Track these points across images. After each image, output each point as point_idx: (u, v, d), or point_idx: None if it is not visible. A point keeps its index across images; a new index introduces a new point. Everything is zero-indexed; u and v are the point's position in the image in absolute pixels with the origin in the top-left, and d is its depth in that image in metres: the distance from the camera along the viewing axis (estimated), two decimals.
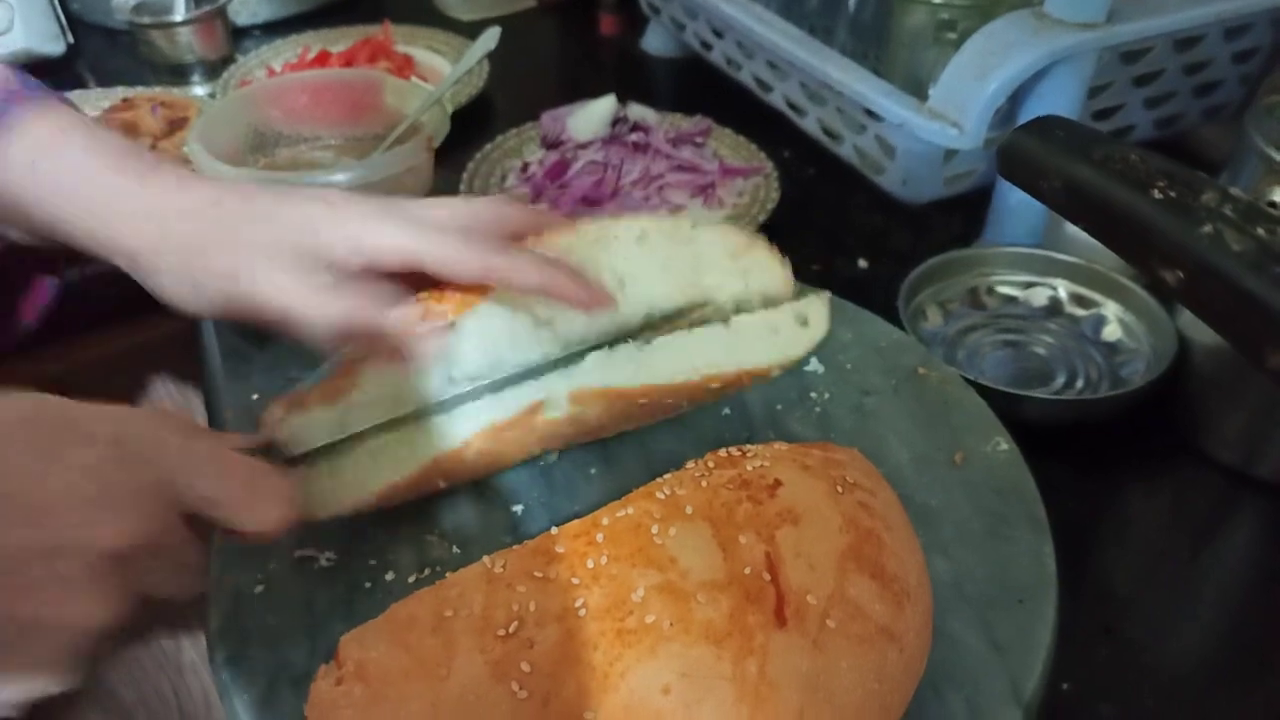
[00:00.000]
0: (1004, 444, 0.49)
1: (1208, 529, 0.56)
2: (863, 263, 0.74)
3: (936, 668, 0.39)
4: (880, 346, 0.56)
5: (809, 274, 0.70)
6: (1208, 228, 0.28)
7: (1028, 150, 0.34)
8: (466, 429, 0.44)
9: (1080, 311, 0.66)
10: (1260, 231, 0.29)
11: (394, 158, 0.71)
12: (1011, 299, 0.68)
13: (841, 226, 0.79)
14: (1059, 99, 0.63)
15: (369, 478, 0.43)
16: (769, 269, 0.51)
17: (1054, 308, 0.67)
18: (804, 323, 0.48)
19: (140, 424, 0.35)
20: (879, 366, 0.54)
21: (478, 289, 0.46)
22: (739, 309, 0.51)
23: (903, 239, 0.77)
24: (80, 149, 0.48)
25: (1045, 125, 0.36)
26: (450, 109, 0.82)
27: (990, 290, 0.68)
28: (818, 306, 0.48)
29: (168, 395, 1.05)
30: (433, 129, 0.75)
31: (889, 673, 0.35)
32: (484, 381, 0.46)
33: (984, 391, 0.52)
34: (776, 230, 0.75)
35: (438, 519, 0.47)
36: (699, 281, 0.49)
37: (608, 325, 0.49)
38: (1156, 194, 0.29)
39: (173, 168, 0.49)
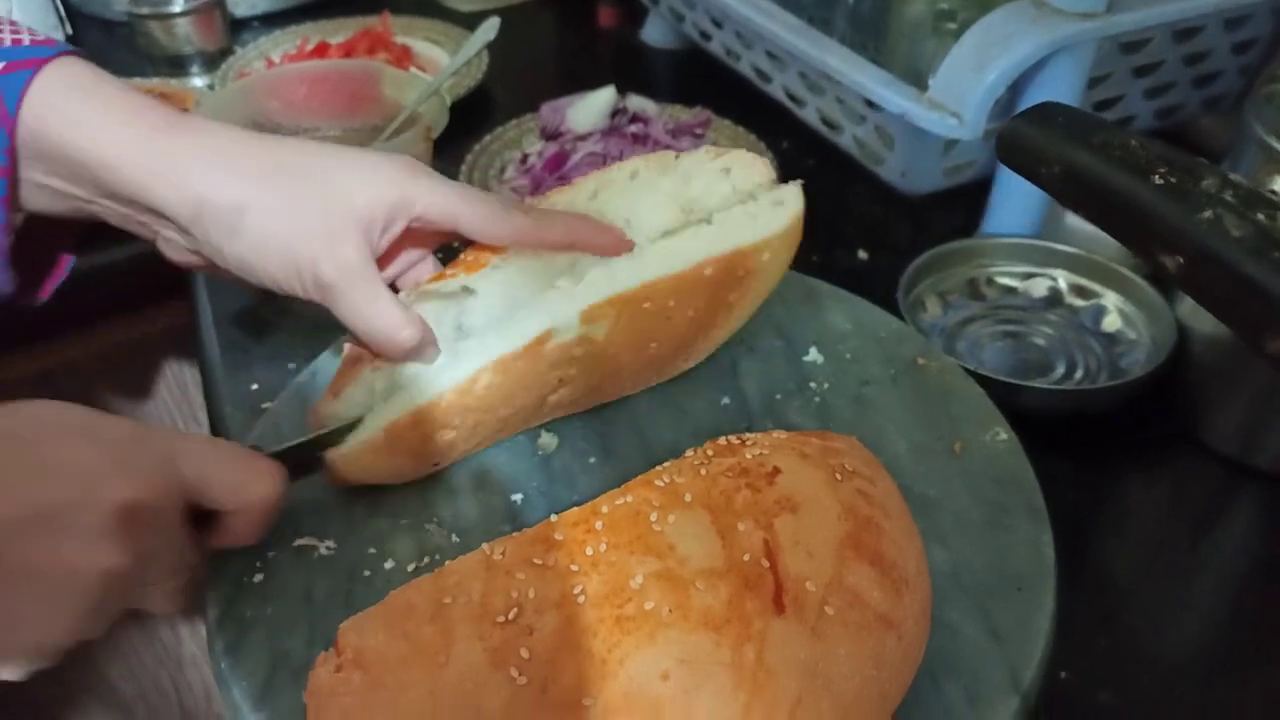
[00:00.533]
0: (1003, 434, 0.49)
1: (1206, 519, 0.56)
2: (862, 254, 0.74)
3: (935, 656, 0.39)
4: (879, 337, 0.56)
5: (808, 264, 0.70)
6: (1208, 213, 0.28)
7: (1027, 137, 0.34)
8: (475, 363, 0.44)
9: (1080, 302, 0.66)
10: (1260, 217, 0.28)
11: (393, 149, 0.71)
12: (1011, 290, 0.68)
13: (841, 217, 0.79)
14: (1058, 89, 0.63)
15: (377, 415, 0.44)
16: (748, 161, 0.53)
17: (1053, 298, 0.67)
18: (779, 204, 0.50)
19: (142, 425, 0.38)
20: (878, 356, 0.54)
21: (486, 251, 0.47)
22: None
23: (902, 230, 0.76)
24: (122, 101, 0.45)
25: (1045, 112, 0.36)
26: (449, 100, 0.81)
27: (989, 281, 0.68)
28: (793, 191, 0.51)
29: (167, 389, 1.05)
30: (431, 120, 0.75)
31: (887, 660, 0.35)
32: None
33: (983, 382, 0.52)
34: None
35: (436, 507, 0.47)
36: (687, 192, 0.52)
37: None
38: (1157, 180, 0.29)
39: (215, 124, 0.47)
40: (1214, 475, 0.57)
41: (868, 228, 0.77)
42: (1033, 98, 0.64)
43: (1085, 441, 0.59)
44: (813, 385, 0.53)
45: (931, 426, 0.50)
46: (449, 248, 0.50)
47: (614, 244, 0.48)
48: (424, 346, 0.45)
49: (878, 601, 0.36)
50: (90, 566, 0.33)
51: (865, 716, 0.35)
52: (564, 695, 0.32)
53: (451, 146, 0.81)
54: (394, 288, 0.49)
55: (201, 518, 0.39)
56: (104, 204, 0.47)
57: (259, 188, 0.44)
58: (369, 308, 0.44)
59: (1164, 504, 0.57)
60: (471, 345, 0.45)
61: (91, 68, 0.47)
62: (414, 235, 0.47)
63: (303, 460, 0.43)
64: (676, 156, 0.52)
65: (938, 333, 0.64)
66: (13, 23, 0.50)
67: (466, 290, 0.48)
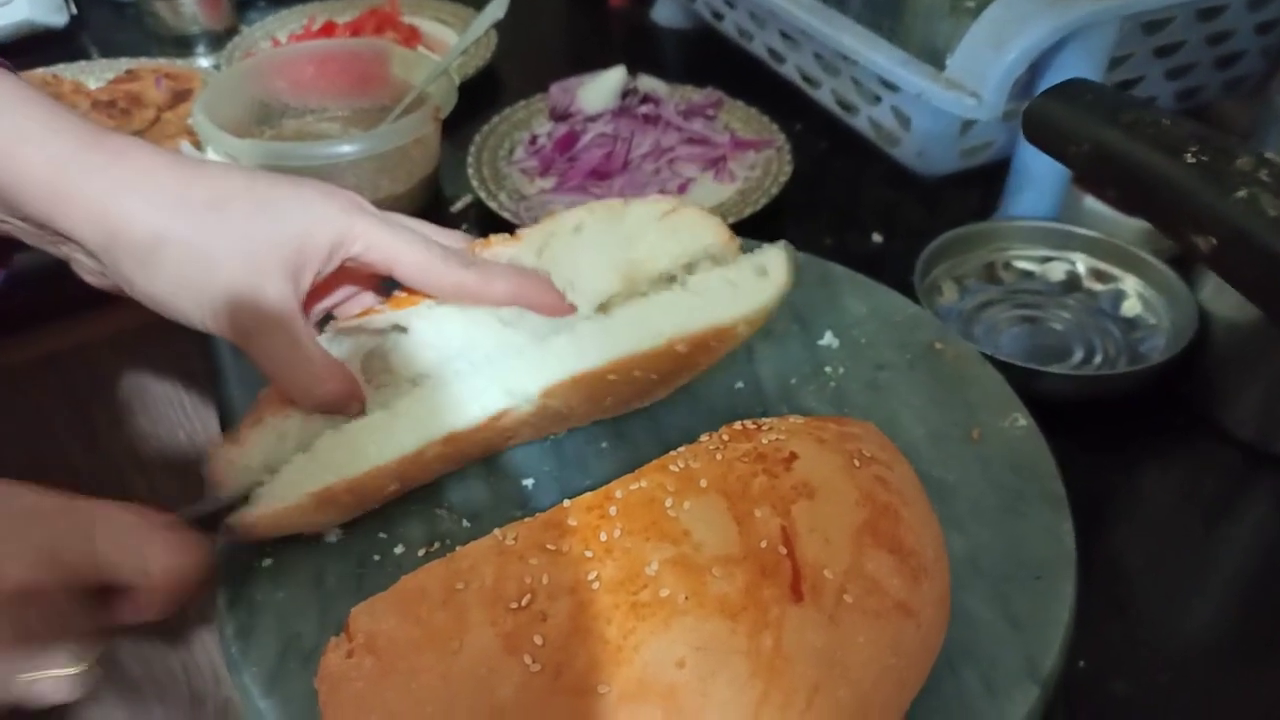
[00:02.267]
0: (1021, 420, 0.48)
1: (1224, 506, 0.55)
2: (877, 237, 0.73)
3: (953, 643, 0.38)
4: (895, 321, 0.55)
5: (821, 248, 0.69)
6: (1242, 193, 0.27)
7: (1055, 114, 0.33)
8: (422, 436, 0.42)
9: (1099, 286, 0.65)
10: None
11: (401, 129, 0.70)
12: (1029, 274, 0.67)
13: (855, 200, 0.78)
14: (1079, 69, 0.62)
15: (300, 475, 0.41)
16: (699, 223, 0.48)
17: (1072, 283, 0.66)
18: (763, 273, 0.46)
19: (59, 498, 0.37)
20: (894, 341, 0.54)
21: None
22: (689, 271, 0.48)
23: (918, 213, 0.75)
24: (41, 118, 0.42)
25: (1072, 89, 0.35)
26: (458, 80, 0.81)
27: (1007, 265, 0.67)
28: (776, 256, 0.46)
29: (175, 372, 1.05)
30: (440, 100, 0.74)
31: (905, 648, 0.35)
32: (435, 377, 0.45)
33: (1001, 367, 0.52)
34: (788, 204, 0.74)
35: (447, 492, 0.46)
36: (630, 255, 0.48)
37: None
38: (1189, 158, 0.29)
39: (143, 145, 0.43)
40: (1233, 462, 0.56)
41: (882, 211, 0.76)
42: (1052, 78, 0.63)
43: (1103, 427, 0.58)
44: (828, 370, 0.52)
45: (948, 412, 0.49)
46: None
47: (557, 307, 0.46)
48: (347, 401, 0.43)
49: (896, 589, 0.35)
50: None
51: (883, 704, 0.34)
52: (578, 682, 0.32)
53: (460, 127, 0.80)
54: (330, 316, 0.47)
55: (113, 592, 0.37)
56: (14, 223, 0.44)
57: (177, 220, 0.41)
58: (287, 354, 0.41)
59: (1181, 491, 0.56)
60: (420, 415, 0.42)
61: (15, 83, 0.43)
62: (350, 273, 0.45)
63: (218, 520, 0.41)
64: (625, 203, 0.48)
65: (954, 317, 0.63)
66: None
67: (397, 328, 0.46)
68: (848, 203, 0.78)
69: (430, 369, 0.46)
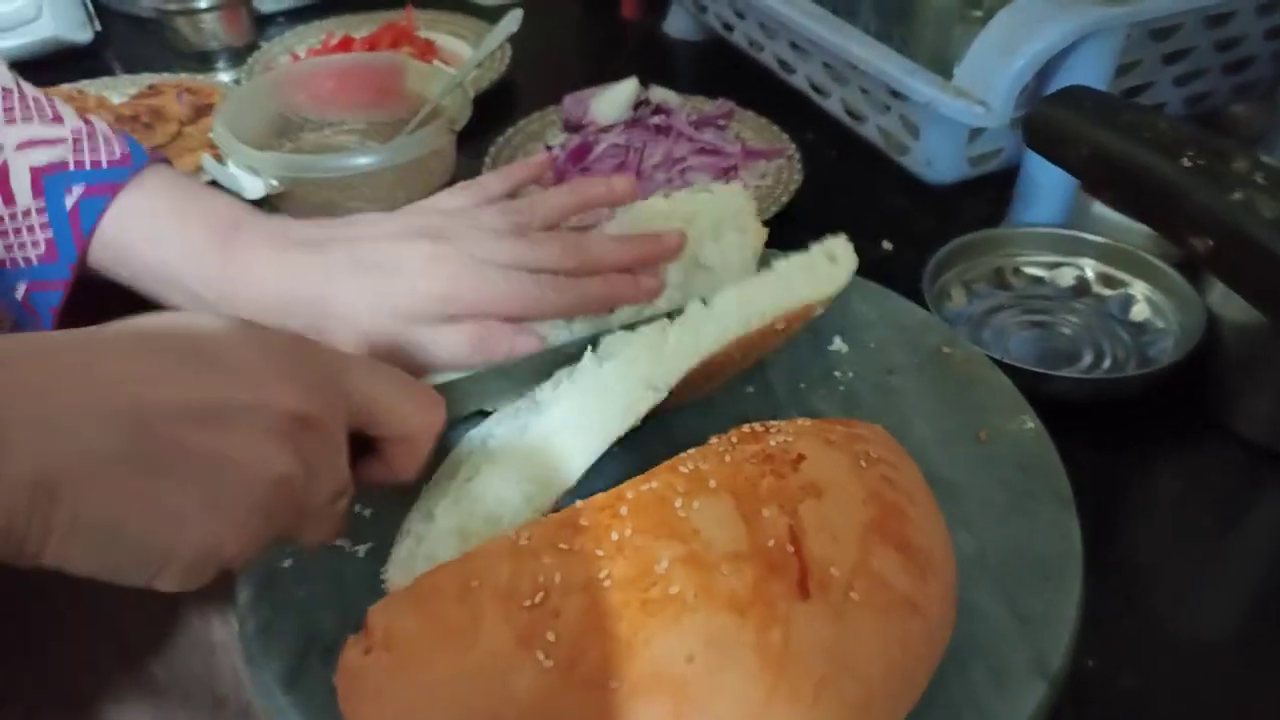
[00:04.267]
0: (1030, 422, 0.49)
1: (1234, 506, 0.55)
2: (887, 245, 0.73)
3: (961, 640, 0.39)
4: (904, 325, 0.55)
5: None
6: (1238, 194, 0.28)
7: (1055, 119, 0.34)
8: (579, 466, 0.44)
9: (1107, 291, 0.65)
10: None
11: (417, 141, 0.72)
12: (1038, 279, 0.67)
13: (865, 208, 0.79)
14: (1087, 76, 0.63)
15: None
16: (726, 191, 0.57)
17: (1081, 288, 0.66)
18: (833, 259, 0.52)
19: (308, 339, 0.38)
20: (903, 345, 0.54)
21: None
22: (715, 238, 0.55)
23: (927, 220, 0.76)
24: (173, 219, 0.50)
25: (1073, 95, 0.35)
26: (473, 93, 0.82)
27: (1016, 271, 0.68)
28: (843, 245, 0.52)
29: None
30: (455, 113, 0.76)
31: (912, 644, 0.35)
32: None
33: (1009, 371, 0.52)
34: (799, 212, 0.75)
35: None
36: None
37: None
38: (1186, 161, 0.29)
39: (257, 244, 0.50)
40: (1242, 462, 0.57)
41: (892, 218, 0.76)
42: (1060, 84, 0.64)
43: (1113, 430, 0.58)
44: (837, 374, 0.53)
45: (957, 414, 0.50)
46: None
47: (646, 293, 0.52)
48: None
49: (903, 585, 0.36)
50: (259, 469, 0.32)
51: (890, 698, 0.35)
52: (590, 676, 0.33)
53: (475, 139, 0.81)
54: None
55: (356, 452, 0.38)
56: (156, 289, 0.51)
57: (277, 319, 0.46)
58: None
59: (1191, 491, 0.57)
60: (585, 425, 0.44)
61: (170, 178, 0.52)
62: None
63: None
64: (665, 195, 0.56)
65: (963, 322, 0.64)
66: (88, 122, 0.53)
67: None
68: (858, 210, 0.78)
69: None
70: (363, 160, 0.69)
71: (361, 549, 0.44)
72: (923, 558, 0.37)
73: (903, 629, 0.35)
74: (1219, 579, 0.52)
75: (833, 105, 0.78)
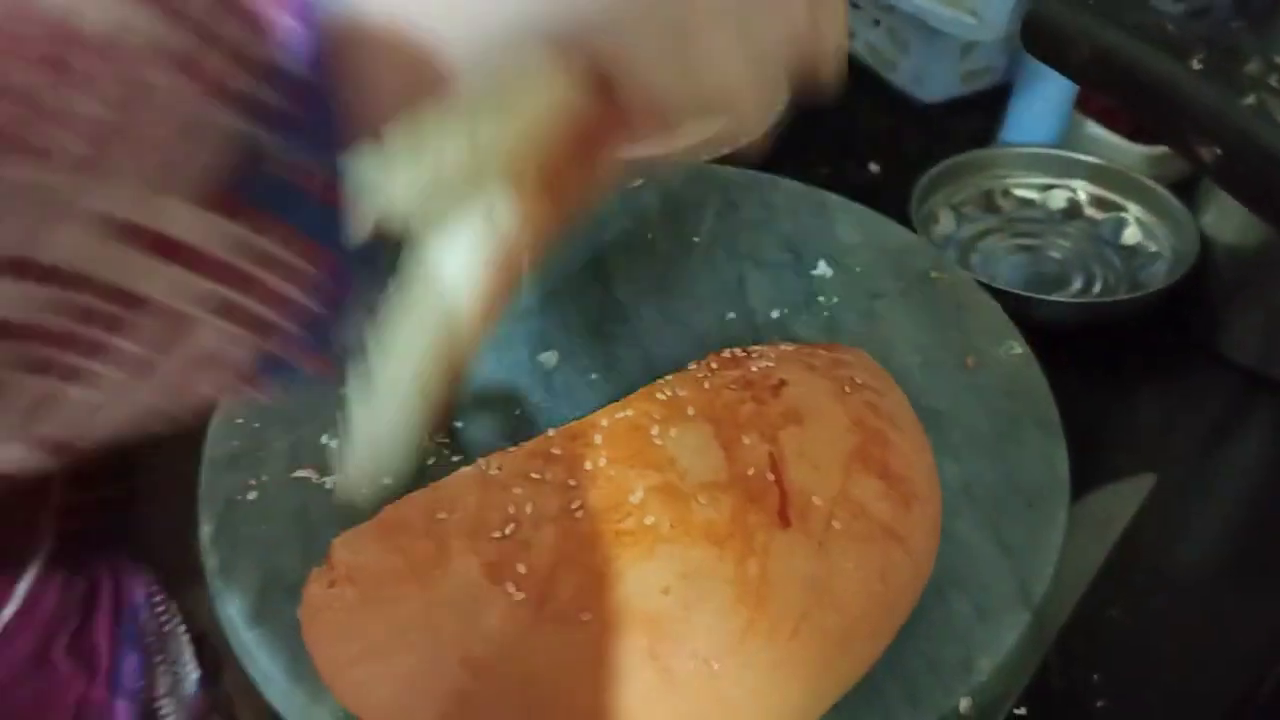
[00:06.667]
0: (1017, 348, 0.48)
1: (1222, 431, 0.55)
2: (874, 166, 0.71)
3: (944, 570, 0.38)
4: (890, 249, 0.54)
5: (817, 177, 0.68)
6: (1250, 99, 0.26)
7: (1055, 17, 0.32)
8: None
9: (1099, 214, 0.64)
10: None
11: None
12: (1028, 202, 0.65)
13: (852, 129, 0.76)
14: None
15: None
16: None
17: (1072, 210, 0.64)
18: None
19: None
20: (889, 270, 0.52)
21: None
22: None
23: (915, 141, 0.74)
24: None
25: None
26: None
27: (1006, 193, 0.66)
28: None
29: None
30: None
31: (894, 574, 0.35)
32: None
33: (998, 295, 0.51)
34: (784, 134, 0.72)
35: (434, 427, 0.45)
36: None
37: None
38: (1195, 64, 0.27)
39: None
40: (1231, 387, 0.56)
41: (879, 139, 0.74)
42: None
43: (1103, 355, 0.57)
44: (821, 299, 0.51)
45: (943, 340, 0.48)
46: None
47: None
48: None
49: (885, 515, 0.35)
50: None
51: (871, 630, 0.34)
52: (562, 610, 0.32)
53: None
54: None
55: None
56: None
57: None
58: None
59: (1180, 416, 0.56)
60: None
61: None
62: None
63: None
64: None
65: (951, 246, 0.62)
66: None
67: None
68: (844, 131, 0.76)
69: None
70: None
71: (329, 480, 0.43)
72: (906, 487, 0.36)
73: (885, 559, 0.34)
74: (1207, 502, 0.51)
75: None
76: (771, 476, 0.34)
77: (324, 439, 0.44)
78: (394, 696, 0.32)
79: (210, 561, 0.39)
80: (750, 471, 0.34)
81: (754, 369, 0.38)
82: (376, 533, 0.34)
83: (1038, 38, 0.33)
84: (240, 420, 0.44)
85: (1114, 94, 0.30)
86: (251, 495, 0.42)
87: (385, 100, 0.23)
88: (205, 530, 0.40)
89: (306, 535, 0.40)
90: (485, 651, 0.31)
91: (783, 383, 0.37)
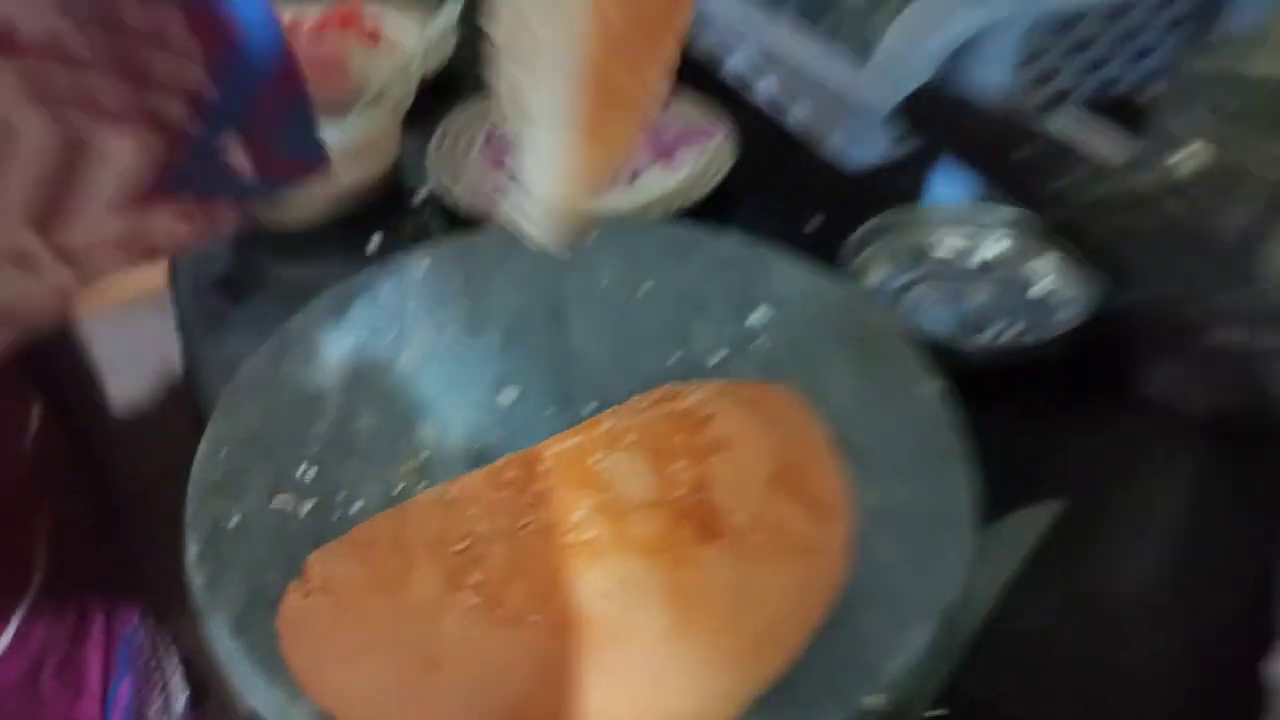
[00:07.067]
0: (939, 388, 0.52)
1: (1140, 469, 0.59)
2: (814, 222, 0.77)
3: (860, 583, 0.42)
4: (825, 298, 0.59)
5: (762, 231, 0.73)
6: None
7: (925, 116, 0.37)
8: None
9: (1020, 261, 0.69)
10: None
11: (358, 125, 0.74)
12: (954, 252, 0.71)
13: (795, 187, 0.82)
14: (995, 60, 0.66)
15: None
16: None
17: (995, 260, 0.70)
18: None
19: None
20: (823, 316, 0.57)
21: None
22: None
23: (854, 199, 0.79)
24: None
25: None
26: (419, 76, 0.84)
27: (934, 245, 0.71)
28: None
29: (148, 354, 1.07)
30: (399, 96, 0.77)
31: (810, 583, 0.39)
32: None
33: (924, 340, 0.55)
34: (734, 191, 0.78)
35: (403, 457, 0.49)
36: None
37: None
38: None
39: None
40: (1142, 423, 0.60)
41: (820, 197, 0.80)
42: (969, 70, 0.67)
43: (1020, 394, 0.62)
44: (758, 342, 0.56)
45: (871, 380, 0.53)
46: None
47: None
48: None
49: (802, 531, 0.39)
50: None
51: (789, 635, 0.38)
52: (513, 613, 0.36)
53: (422, 122, 0.83)
54: None
55: None
56: None
57: None
58: None
59: (1092, 450, 0.60)
60: None
61: None
62: None
63: None
64: None
65: (883, 295, 0.68)
66: None
67: None
68: (788, 190, 0.82)
69: None
70: None
71: (305, 506, 0.47)
72: (821, 508, 0.41)
73: (802, 570, 0.39)
74: (1121, 540, 0.55)
75: (760, 92, 0.81)
76: (699, 497, 0.39)
77: (300, 469, 0.48)
78: (365, 695, 0.36)
79: (196, 580, 0.43)
80: (681, 492, 0.39)
81: (687, 403, 0.43)
82: (348, 549, 0.38)
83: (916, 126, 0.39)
84: (224, 452, 0.48)
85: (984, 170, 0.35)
86: (234, 521, 0.46)
87: None
88: (191, 551, 0.44)
89: (286, 557, 0.44)
90: (445, 651, 0.35)
91: (711, 416, 0.42)
